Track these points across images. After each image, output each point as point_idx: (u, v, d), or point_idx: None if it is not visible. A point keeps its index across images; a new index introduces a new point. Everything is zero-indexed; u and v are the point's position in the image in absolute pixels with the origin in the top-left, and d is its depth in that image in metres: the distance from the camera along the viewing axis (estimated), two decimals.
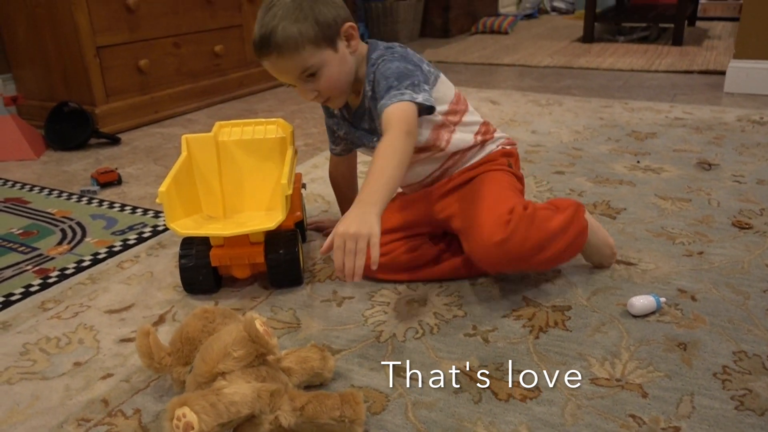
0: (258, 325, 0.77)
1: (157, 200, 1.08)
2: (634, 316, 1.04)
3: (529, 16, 5.22)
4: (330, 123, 1.27)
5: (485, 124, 1.23)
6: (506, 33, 4.41)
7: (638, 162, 1.77)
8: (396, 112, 0.99)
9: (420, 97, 1.01)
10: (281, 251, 1.14)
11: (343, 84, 1.09)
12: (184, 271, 1.15)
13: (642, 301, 1.04)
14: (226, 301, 1.14)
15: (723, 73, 2.81)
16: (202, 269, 1.14)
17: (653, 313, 1.04)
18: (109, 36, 2.24)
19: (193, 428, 0.67)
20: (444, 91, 1.16)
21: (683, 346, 0.96)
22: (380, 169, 0.94)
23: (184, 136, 1.28)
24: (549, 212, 1.08)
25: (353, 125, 1.20)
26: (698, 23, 4.45)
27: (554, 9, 5.54)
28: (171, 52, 2.49)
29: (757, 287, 1.11)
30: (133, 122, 2.36)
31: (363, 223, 0.88)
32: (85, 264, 1.30)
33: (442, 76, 1.18)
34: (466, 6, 4.53)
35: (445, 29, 4.34)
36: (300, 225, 1.32)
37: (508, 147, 1.25)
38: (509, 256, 1.00)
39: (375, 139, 1.16)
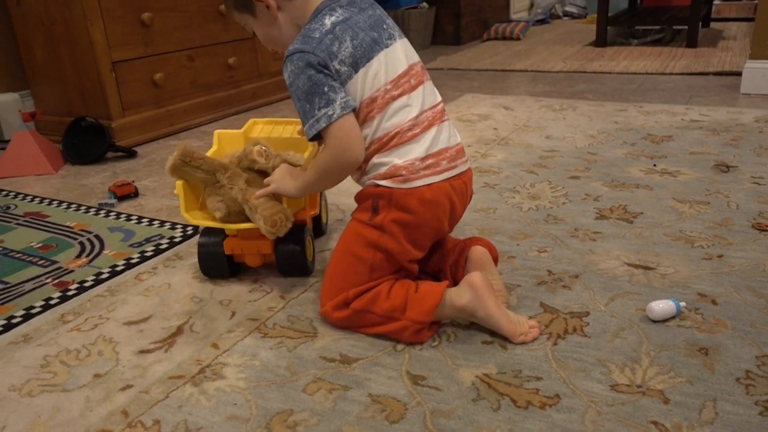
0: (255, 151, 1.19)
1: (175, 191, 1.21)
2: (654, 321, 1.03)
3: (540, 22, 5.21)
4: None
5: (383, 138, 1.02)
6: (518, 39, 4.40)
7: (655, 165, 1.75)
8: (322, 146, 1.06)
9: (336, 111, 0.99)
10: (288, 243, 1.20)
11: (277, 42, 1.12)
12: (200, 257, 1.24)
13: (661, 306, 1.02)
14: (243, 310, 1.14)
15: (739, 74, 2.79)
16: (216, 257, 1.23)
17: (673, 317, 1.03)
18: (124, 51, 2.27)
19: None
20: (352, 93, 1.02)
21: (705, 351, 0.95)
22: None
23: (216, 131, 1.38)
24: (376, 318, 1.02)
25: None
26: (712, 24, 4.42)
27: (566, 14, 5.53)
28: (185, 65, 2.52)
29: None
30: (149, 135, 2.38)
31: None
32: (103, 276, 1.31)
33: (358, 74, 1.02)
34: (478, 13, 4.54)
35: (457, 36, 4.35)
36: (318, 220, 1.39)
37: (382, 183, 1.02)
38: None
39: None
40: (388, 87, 1.03)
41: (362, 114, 1.03)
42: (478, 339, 1.01)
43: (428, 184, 1.01)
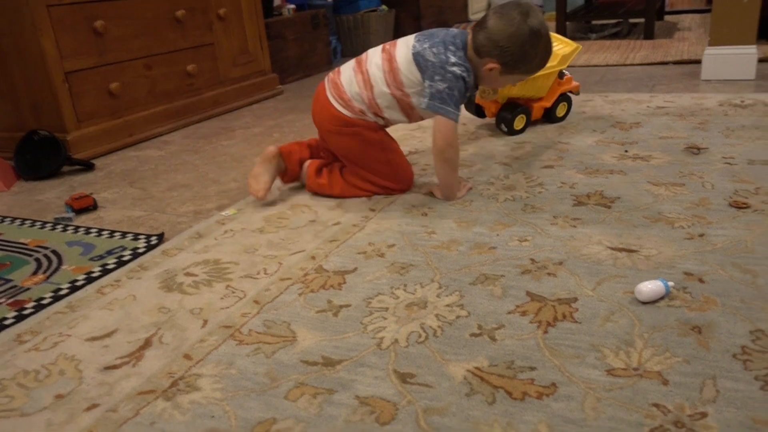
0: None
1: None
2: (644, 303, 1.00)
3: None
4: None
5: None
6: None
7: (626, 151, 1.74)
8: None
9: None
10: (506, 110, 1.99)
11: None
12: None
13: (650, 287, 1.00)
14: (216, 317, 1.08)
15: (698, 62, 2.83)
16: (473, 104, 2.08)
17: (662, 298, 1.00)
18: (77, 61, 2.18)
19: None
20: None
21: (698, 329, 0.92)
22: None
23: None
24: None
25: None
26: (666, 17, 4.50)
27: None
28: (142, 73, 2.43)
29: (764, 265, 1.08)
30: (107, 147, 2.29)
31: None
32: (62, 292, 1.23)
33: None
34: (437, 14, 4.54)
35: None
36: (549, 111, 2.09)
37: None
38: None
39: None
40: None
41: None
42: (465, 332, 0.97)
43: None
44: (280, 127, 2.48)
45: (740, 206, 1.32)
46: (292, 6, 3.50)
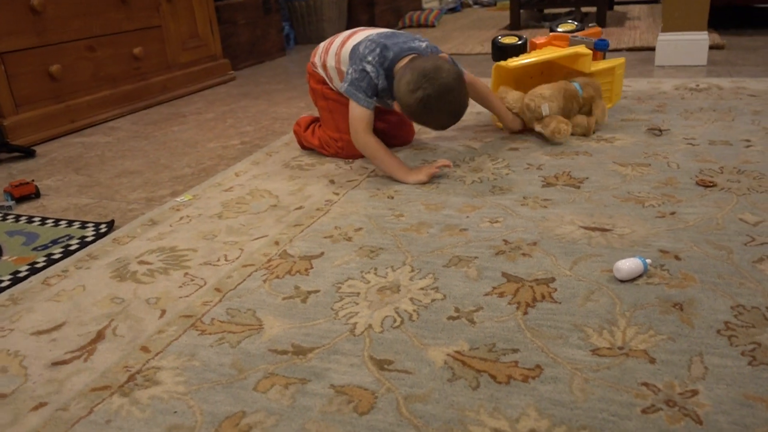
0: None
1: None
2: (622, 281, 0.97)
3: (452, 10, 5.23)
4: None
5: None
6: (433, 26, 4.38)
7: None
8: None
9: None
10: None
11: None
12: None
13: (629, 264, 0.97)
14: (174, 307, 1.00)
15: (650, 49, 2.87)
16: None
17: (641, 276, 0.98)
18: (13, 40, 2.04)
19: None
20: None
21: (679, 306, 0.90)
22: None
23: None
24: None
25: None
26: (616, 8, 4.56)
27: (476, 2, 5.58)
28: (85, 56, 2.30)
29: (737, 241, 1.07)
30: (49, 133, 2.15)
31: None
32: (3, 284, 1.13)
33: None
34: (391, 2, 4.48)
35: (372, 25, 4.25)
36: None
37: None
38: None
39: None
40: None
41: None
42: (442, 315, 0.93)
43: None
44: (234, 112, 2.39)
45: (707, 185, 1.32)
46: None
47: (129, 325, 0.97)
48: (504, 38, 1.91)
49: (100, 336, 0.95)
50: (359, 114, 1.49)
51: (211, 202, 1.46)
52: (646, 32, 3.36)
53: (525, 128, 1.74)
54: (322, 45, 1.69)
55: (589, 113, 1.71)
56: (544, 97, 1.61)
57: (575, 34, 1.83)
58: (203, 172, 1.72)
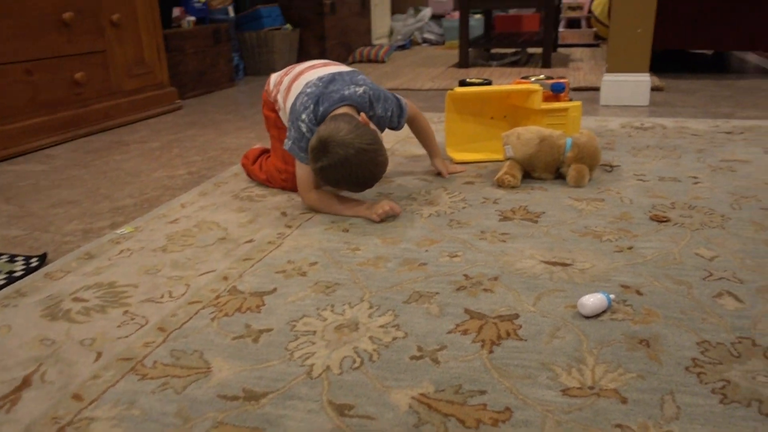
0: None
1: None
2: (587, 317, 0.95)
3: (402, 47, 5.29)
4: None
5: None
6: (383, 62, 4.41)
7: None
8: None
9: None
10: None
11: None
12: None
13: (593, 300, 0.95)
14: (112, 348, 0.92)
15: (594, 89, 2.95)
16: None
17: (604, 311, 0.96)
18: None
19: None
20: None
21: (645, 342, 0.88)
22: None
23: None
24: None
25: None
26: (560, 50, 4.72)
27: (425, 40, 5.67)
28: (21, 79, 2.18)
29: (695, 276, 1.07)
30: None
31: None
32: None
33: None
34: (341, 36, 4.50)
35: (323, 58, 4.26)
36: None
37: None
38: None
39: None
40: None
41: None
42: (404, 354, 0.88)
43: None
44: (181, 141, 2.30)
45: (661, 220, 1.33)
46: (192, 18, 3.32)
47: (60, 369, 0.88)
48: (471, 79, 1.93)
49: (26, 383, 0.85)
50: (302, 174, 1.46)
51: (154, 235, 1.37)
52: (590, 73, 3.47)
53: (454, 171, 1.73)
54: (276, 75, 1.66)
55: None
56: (519, 138, 1.58)
57: (539, 79, 1.85)
58: (146, 203, 1.63)
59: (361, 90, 1.45)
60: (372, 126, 1.38)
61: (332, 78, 1.49)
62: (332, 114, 1.40)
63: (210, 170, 1.89)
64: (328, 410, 0.77)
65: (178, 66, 3.11)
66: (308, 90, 1.46)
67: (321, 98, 1.43)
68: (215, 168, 1.92)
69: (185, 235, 1.36)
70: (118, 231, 1.41)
